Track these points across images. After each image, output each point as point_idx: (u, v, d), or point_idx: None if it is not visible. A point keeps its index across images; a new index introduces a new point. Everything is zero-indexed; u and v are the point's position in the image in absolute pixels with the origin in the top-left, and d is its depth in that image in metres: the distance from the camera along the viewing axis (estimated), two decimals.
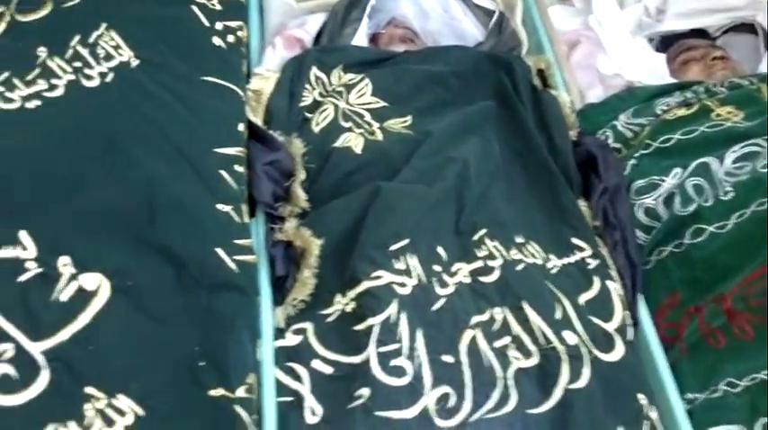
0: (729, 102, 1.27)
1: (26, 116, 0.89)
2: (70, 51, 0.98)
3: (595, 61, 1.53)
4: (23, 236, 0.82)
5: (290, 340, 0.96)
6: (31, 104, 0.91)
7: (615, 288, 1.08)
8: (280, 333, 0.97)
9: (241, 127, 1.08)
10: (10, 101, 0.90)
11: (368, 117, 1.20)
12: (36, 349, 0.79)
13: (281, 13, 1.46)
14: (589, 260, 1.10)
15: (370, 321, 0.93)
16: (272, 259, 1.03)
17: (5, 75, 0.92)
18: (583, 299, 1.05)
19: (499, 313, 1.01)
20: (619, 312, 1.05)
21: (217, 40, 1.13)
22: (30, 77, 0.93)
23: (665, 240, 1.15)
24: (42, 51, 0.96)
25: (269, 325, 0.97)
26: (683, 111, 1.28)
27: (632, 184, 1.21)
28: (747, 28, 1.60)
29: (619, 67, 1.53)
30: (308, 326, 0.97)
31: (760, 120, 1.20)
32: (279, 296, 1.01)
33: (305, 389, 0.92)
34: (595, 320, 1.03)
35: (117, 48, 1.00)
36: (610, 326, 1.03)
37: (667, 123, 1.27)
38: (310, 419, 0.90)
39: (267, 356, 0.94)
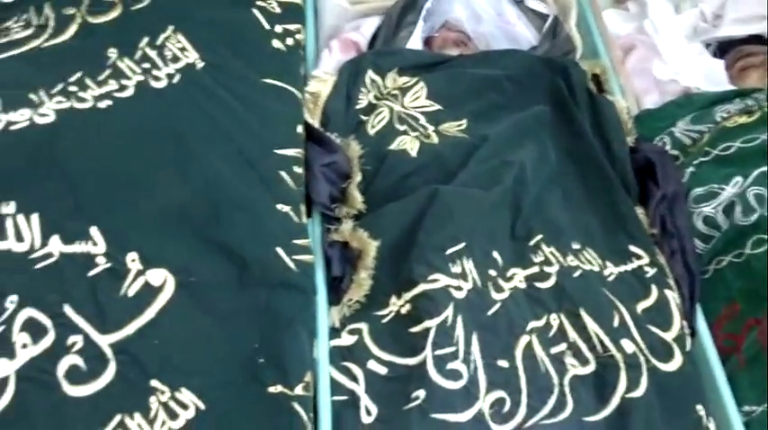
0: None
1: (98, 115, 0.92)
2: (139, 53, 1.00)
3: (651, 66, 1.51)
4: (94, 231, 0.85)
5: (346, 340, 0.97)
6: (103, 104, 0.93)
7: (673, 297, 1.06)
8: (335, 332, 0.98)
9: (299, 128, 1.10)
10: (83, 100, 0.92)
11: (423, 120, 1.21)
12: (104, 342, 0.81)
13: (335, 15, 1.47)
14: (646, 268, 1.08)
15: (427, 323, 0.93)
16: (329, 259, 1.04)
17: (78, 75, 0.95)
18: (640, 307, 1.03)
19: (555, 319, 1.00)
20: (677, 322, 1.03)
21: (276, 43, 1.14)
22: (101, 78, 0.96)
23: (725, 250, 1.13)
24: (113, 52, 0.99)
25: (324, 324, 0.98)
26: (743, 119, 1.26)
27: (690, 192, 1.19)
28: None
29: (675, 72, 1.51)
30: (364, 326, 0.97)
31: None
32: (334, 296, 1.02)
33: (360, 388, 0.93)
34: (653, 329, 1.01)
35: (183, 50, 1.02)
36: (668, 336, 1.01)
37: (727, 131, 1.25)
38: (365, 419, 0.90)
39: (323, 355, 0.95)
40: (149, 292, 0.85)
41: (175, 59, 1.01)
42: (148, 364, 0.82)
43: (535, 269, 1.05)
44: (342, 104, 1.21)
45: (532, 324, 0.99)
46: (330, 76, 1.24)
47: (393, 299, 0.98)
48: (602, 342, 0.98)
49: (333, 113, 1.19)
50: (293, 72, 1.15)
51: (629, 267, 1.09)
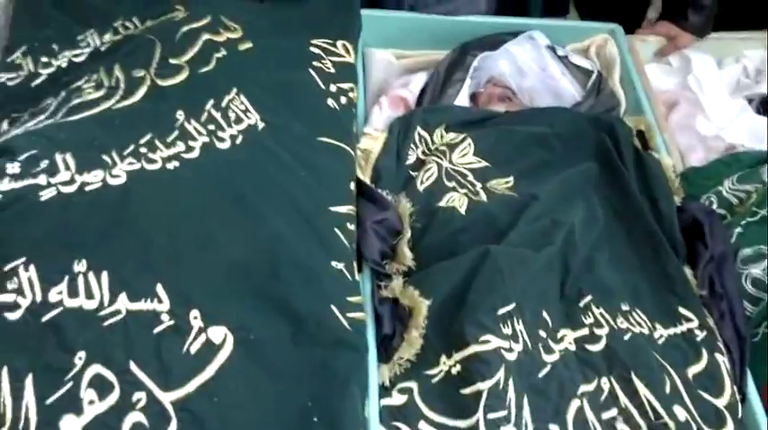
0: None
1: (166, 176, 0.94)
2: (205, 115, 1.03)
3: (694, 122, 1.52)
4: (159, 289, 0.87)
5: (396, 399, 0.97)
6: (171, 165, 0.96)
7: (723, 361, 1.05)
8: (385, 391, 0.98)
9: (352, 185, 1.12)
10: (152, 161, 0.96)
11: (471, 177, 1.22)
12: (166, 399, 0.82)
13: (382, 69, 1.51)
14: (696, 331, 1.08)
15: (479, 386, 0.93)
16: (379, 316, 1.05)
17: (148, 137, 0.98)
18: (691, 372, 1.03)
19: (606, 383, 1.00)
20: (728, 387, 1.03)
21: (331, 102, 1.17)
22: (170, 139, 0.99)
23: None
24: (180, 115, 1.02)
25: (374, 382, 0.98)
26: None
27: (738, 253, 1.19)
28: None
29: (719, 128, 1.51)
30: (414, 385, 0.98)
31: None
32: (384, 353, 1.02)
33: None
34: (705, 395, 1.01)
35: (246, 111, 1.06)
36: (720, 402, 1.01)
37: None
38: None
39: (373, 414, 0.95)
40: (210, 350, 0.86)
41: (238, 121, 1.04)
42: (208, 422, 0.82)
43: (585, 331, 1.05)
44: (392, 161, 1.23)
45: (583, 388, 0.99)
46: (381, 132, 1.27)
47: (443, 358, 0.98)
48: (653, 408, 0.97)
49: (384, 170, 1.21)
50: (346, 130, 1.18)
51: (678, 330, 1.08)
